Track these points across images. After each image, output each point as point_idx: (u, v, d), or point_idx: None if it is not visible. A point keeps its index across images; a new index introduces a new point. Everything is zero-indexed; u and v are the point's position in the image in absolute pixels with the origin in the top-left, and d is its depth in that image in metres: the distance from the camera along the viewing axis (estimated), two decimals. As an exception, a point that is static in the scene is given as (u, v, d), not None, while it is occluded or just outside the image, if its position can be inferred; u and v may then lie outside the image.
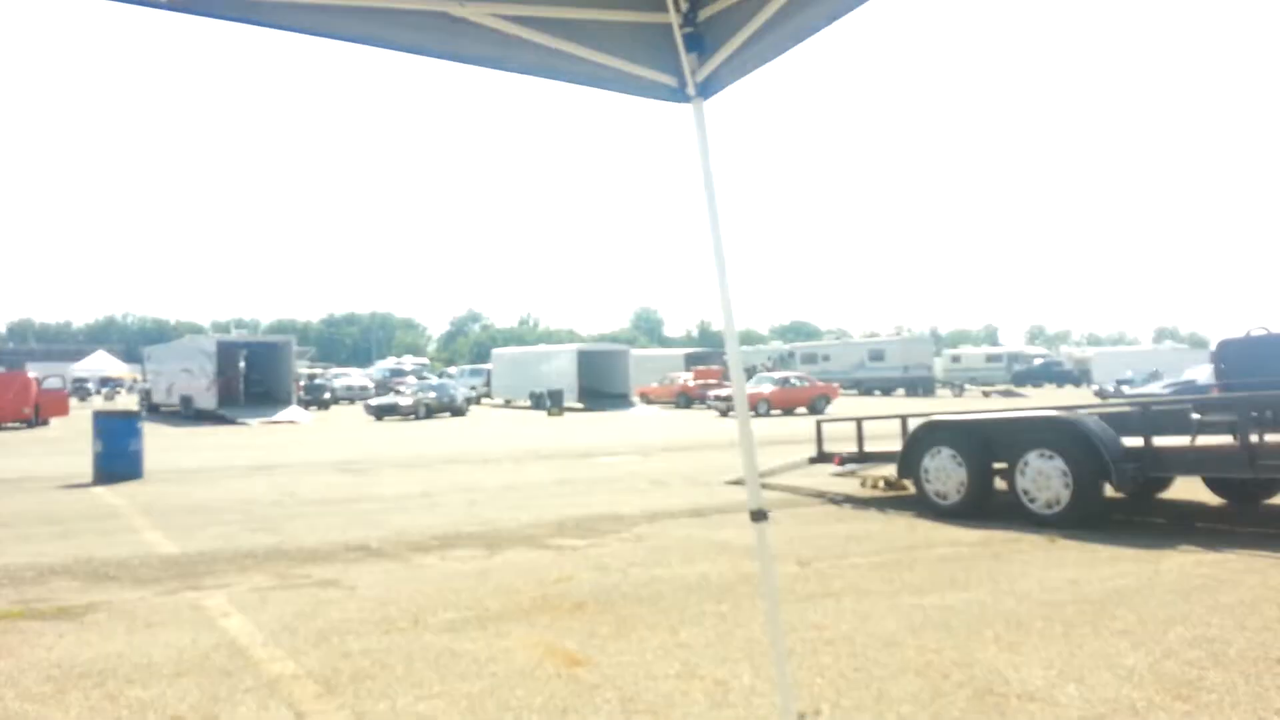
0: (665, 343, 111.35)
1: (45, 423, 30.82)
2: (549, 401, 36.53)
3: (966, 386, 54.05)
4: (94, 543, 8.55)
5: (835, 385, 38.33)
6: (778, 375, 37.19)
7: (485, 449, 19.00)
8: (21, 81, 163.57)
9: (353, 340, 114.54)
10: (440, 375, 55.78)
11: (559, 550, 7.87)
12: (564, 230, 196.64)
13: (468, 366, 59.44)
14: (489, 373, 48.28)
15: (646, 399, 42.16)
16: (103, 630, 5.55)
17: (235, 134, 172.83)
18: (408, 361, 69.44)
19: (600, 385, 40.73)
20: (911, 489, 10.09)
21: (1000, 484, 9.10)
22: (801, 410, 33.48)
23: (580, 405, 38.71)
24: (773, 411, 33.25)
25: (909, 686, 4.33)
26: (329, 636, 5.32)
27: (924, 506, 9.41)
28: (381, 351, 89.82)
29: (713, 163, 3.25)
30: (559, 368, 40.63)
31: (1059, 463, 8.33)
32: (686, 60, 3.21)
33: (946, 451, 9.28)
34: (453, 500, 11.14)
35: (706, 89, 3.30)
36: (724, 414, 32.53)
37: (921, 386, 51.14)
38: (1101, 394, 39.85)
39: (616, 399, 40.16)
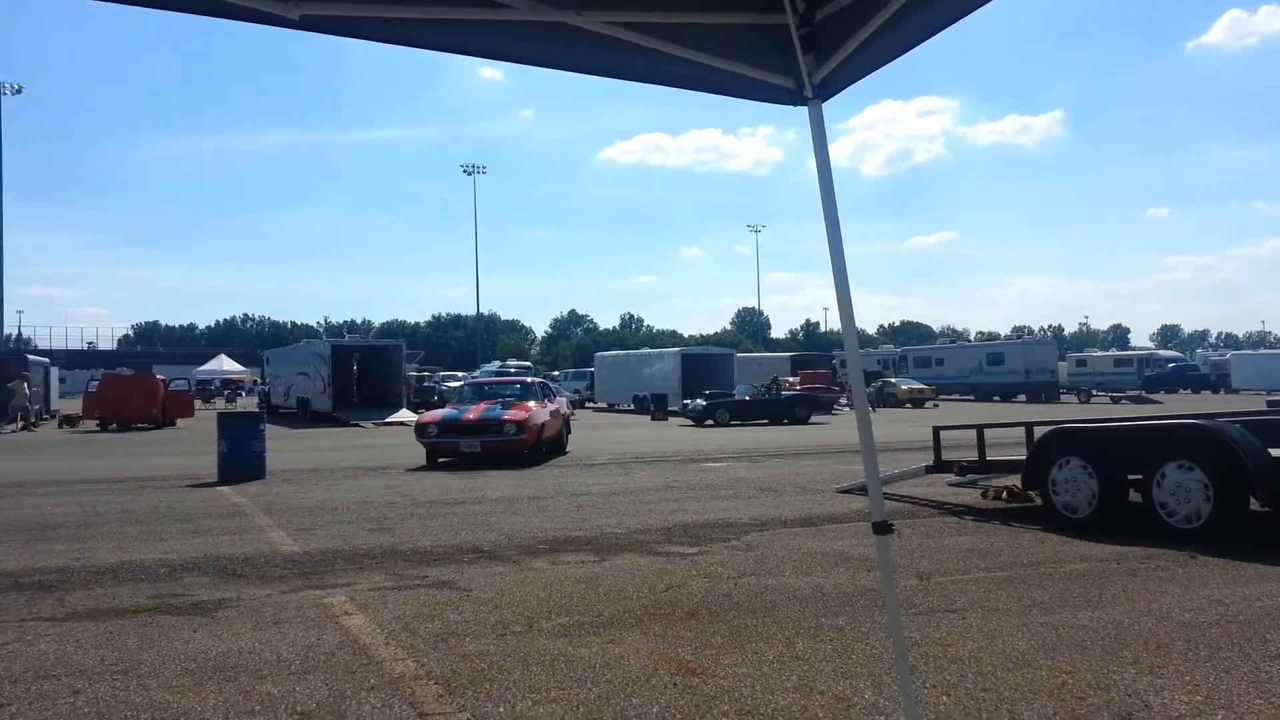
0: (770, 345, 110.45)
1: (172, 423, 32.55)
2: (653, 405, 36.01)
3: (1094, 392, 51.45)
4: (221, 541, 8.94)
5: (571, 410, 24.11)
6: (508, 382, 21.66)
7: (590, 453, 19.12)
8: (147, 95, 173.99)
9: (458, 343, 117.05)
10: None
11: (668, 557, 7.84)
12: (665, 229, 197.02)
13: (571, 370, 60.07)
14: (592, 376, 48.71)
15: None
16: (233, 626, 5.77)
17: (342, 143, 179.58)
18: (511, 365, 70.65)
19: (705, 388, 40.47)
20: (1037, 501, 9.68)
21: (1135, 496, 8.63)
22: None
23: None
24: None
25: (1042, 709, 4.12)
26: (447, 637, 5.41)
27: (1051, 520, 8.99)
28: (486, 355, 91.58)
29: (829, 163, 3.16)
30: (662, 371, 40.64)
31: (1199, 475, 7.85)
32: (804, 61, 3.13)
33: (1076, 462, 8.82)
34: (560, 504, 11.23)
35: (824, 90, 3.22)
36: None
37: (1045, 392, 48.81)
38: None
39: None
